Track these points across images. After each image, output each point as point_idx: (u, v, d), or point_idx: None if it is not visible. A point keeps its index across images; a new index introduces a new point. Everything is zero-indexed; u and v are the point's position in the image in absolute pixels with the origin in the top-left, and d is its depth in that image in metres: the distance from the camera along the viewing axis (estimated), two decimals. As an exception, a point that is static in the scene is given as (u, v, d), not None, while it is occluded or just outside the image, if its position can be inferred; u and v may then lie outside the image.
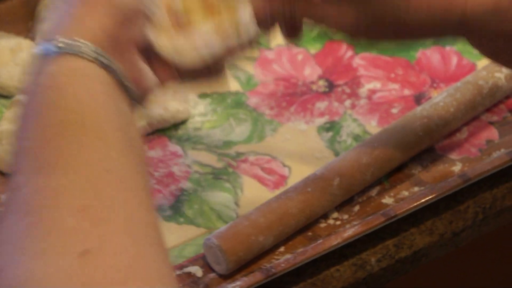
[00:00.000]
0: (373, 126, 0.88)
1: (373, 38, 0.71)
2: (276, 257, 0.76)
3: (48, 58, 0.57)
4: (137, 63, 0.62)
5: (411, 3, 0.68)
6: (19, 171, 0.53)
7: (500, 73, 0.87)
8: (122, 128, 0.56)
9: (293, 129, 0.87)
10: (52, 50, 0.57)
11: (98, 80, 0.57)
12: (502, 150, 0.85)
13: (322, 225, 0.79)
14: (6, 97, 0.90)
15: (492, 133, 0.87)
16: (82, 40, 0.58)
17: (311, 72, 0.93)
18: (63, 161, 0.52)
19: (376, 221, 0.77)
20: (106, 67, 0.58)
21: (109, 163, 0.53)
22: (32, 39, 0.94)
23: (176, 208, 0.81)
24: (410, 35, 0.70)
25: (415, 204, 0.79)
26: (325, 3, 0.68)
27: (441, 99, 0.85)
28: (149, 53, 0.64)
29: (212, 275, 0.75)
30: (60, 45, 0.57)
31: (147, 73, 0.63)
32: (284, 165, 0.84)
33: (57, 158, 0.52)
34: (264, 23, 0.68)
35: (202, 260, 0.76)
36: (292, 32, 0.71)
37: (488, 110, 0.88)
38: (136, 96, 0.60)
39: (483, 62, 0.91)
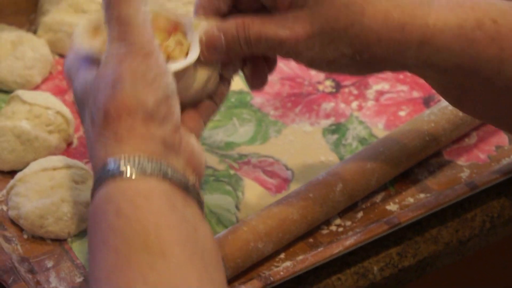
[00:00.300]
0: (380, 129, 0.86)
1: (328, 67, 0.69)
2: (276, 264, 0.75)
3: (104, 185, 0.61)
4: (189, 143, 0.65)
5: (366, 12, 0.65)
6: None
7: None
8: (186, 238, 0.60)
9: (298, 131, 0.85)
10: (106, 177, 0.61)
11: (158, 195, 0.61)
12: (512, 156, 0.83)
13: (324, 231, 0.77)
14: (6, 92, 0.88)
15: (502, 139, 0.85)
16: (142, 157, 0.61)
17: (317, 71, 0.91)
18: (133, 286, 0.57)
19: (379, 229, 0.75)
20: (164, 178, 0.62)
21: (174, 281, 0.58)
22: (34, 32, 0.93)
23: (175, 211, 0.79)
24: (367, 59, 0.67)
25: (420, 212, 0.77)
26: (282, 25, 0.67)
27: (450, 103, 0.83)
28: None
29: (209, 281, 0.73)
30: (122, 168, 0.61)
31: (198, 146, 0.66)
32: (287, 168, 0.82)
33: (127, 285, 0.58)
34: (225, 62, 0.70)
35: (199, 266, 0.75)
36: (257, 76, 0.71)
37: (498, 114, 0.86)
38: (197, 190, 0.64)
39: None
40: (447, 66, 0.67)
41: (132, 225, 0.59)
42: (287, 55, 0.68)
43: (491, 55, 0.66)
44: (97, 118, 0.63)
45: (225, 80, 0.71)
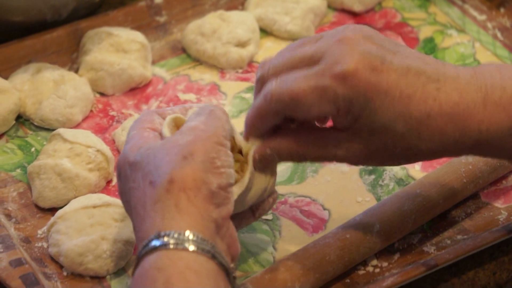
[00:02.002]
0: (417, 170, 0.86)
1: (388, 164, 0.72)
2: (312, 304, 0.75)
3: (156, 252, 0.62)
4: (232, 232, 0.67)
5: (421, 131, 0.67)
6: None
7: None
8: None
9: (335, 171, 0.86)
10: (160, 245, 0.62)
11: (207, 274, 0.62)
12: (550, 199, 0.82)
13: (361, 272, 0.77)
14: (47, 129, 0.90)
15: (540, 181, 0.85)
16: (197, 233, 0.63)
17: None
18: None
19: (416, 271, 0.75)
20: (213, 257, 0.63)
21: None
22: (76, 70, 0.94)
23: (212, 250, 0.79)
24: (427, 158, 0.70)
25: (457, 254, 0.77)
26: (336, 146, 0.70)
27: (487, 145, 0.83)
28: None
29: (246, 321, 0.74)
30: (170, 239, 0.62)
31: (236, 234, 0.68)
32: (324, 208, 0.83)
33: None
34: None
35: (236, 305, 0.75)
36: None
37: (536, 157, 0.86)
38: (235, 276, 0.66)
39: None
40: (501, 157, 0.70)
41: None
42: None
43: None
44: (159, 183, 0.64)
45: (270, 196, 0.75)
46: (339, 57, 0.67)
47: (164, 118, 0.72)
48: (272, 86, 0.69)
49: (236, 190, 0.69)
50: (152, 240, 0.63)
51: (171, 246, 0.62)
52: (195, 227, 0.63)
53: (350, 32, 0.68)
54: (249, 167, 0.71)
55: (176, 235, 0.62)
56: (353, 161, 0.70)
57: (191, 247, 0.62)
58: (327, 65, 0.67)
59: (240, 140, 0.72)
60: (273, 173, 0.73)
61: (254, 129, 0.72)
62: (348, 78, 0.66)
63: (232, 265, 0.65)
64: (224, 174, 0.66)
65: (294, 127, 0.72)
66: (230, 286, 0.64)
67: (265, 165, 0.71)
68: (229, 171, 0.66)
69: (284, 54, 0.70)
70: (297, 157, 0.71)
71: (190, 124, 0.67)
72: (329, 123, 0.72)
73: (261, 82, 0.71)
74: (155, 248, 0.62)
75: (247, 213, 0.74)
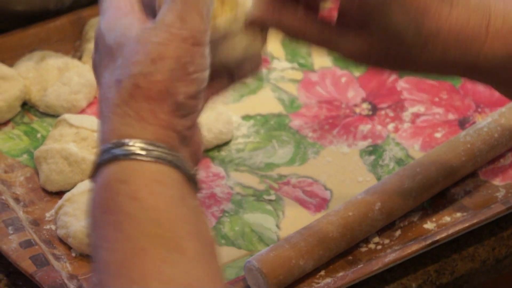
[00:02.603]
0: (416, 151, 0.88)
1: (380, 66, 0.71)
2: (316, 280, 0.77)
3: (118, 162, 0.59)
4: (197, 138, 0.65)
5: (427, 45, 0.68)
6: (105, 285, 0.56)
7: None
8: (196, 232, 0.59)
9: (336, 152, 0.87)
10: (122, 154, 0.60)
11: (172, 184, 0.60)
12: (547, 176, 0.84)
13: (363, 249, 0.79)
14: (53, 116, 0.91)
15: (537, 159, 0.86)
16: (160, 143, 0.60)
17: (354, 94, 0.93)
18: (149, 279, 0.56)
19: (417, 246, 0.77)
20: (176, 167, 0.60)
21: (189, 277, 0.57)
22: (79, 58, 0.96)
23: (217, 230, 0.81)
24: (418, 70, 0.71)
25: (457, 230, 0.78)
26: (341, 34, 0.69)
27: (485, 125, 0.85)
28: None
29: (252, 297, 0.76)
30: (133, 148, 0.60)
31: (202, 137, 0.65)
32: (326, 188, 0.84)
33: (143, 276, 0.56)
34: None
35: (242, 283, 0.77)
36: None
37: (533, 135, 0.88)
38: (197, 181, 0.63)
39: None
40: (492, 82, 0.71)
41: (148, 214, 0.58)
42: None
43: None
44: (123, 86, 0.61)
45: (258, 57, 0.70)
46: None
47: None
48: None
49: (222, 25, 0.65)
50: (112, 148, 0.60)
51: (134, 157, 0.60)
52: (157, 137, 0.60)
53: None
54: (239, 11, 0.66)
55: (138, 145, 0.60)
56: (350, 54, 0.69)
57: (153, 158, 0.60)
58: None
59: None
60: (262, 37, 0.68)
61: None
62: None
63: (195, 169, 0.63)
64: (195, 81, 0.62)
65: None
66: (195, 193, 0.63)
67: (259, 25, 0.68)
68: (202, 76, 0.62)
69: None
70: (300, 34, 0.69)
71: (166, 19, 0.62)
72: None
73: None
74: (116, 157, 0.60)
75: (222, 74, 0.69)
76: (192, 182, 0.62)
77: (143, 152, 0.59)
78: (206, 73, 0.63)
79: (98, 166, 0.60)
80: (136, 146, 0.60)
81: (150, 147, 0.60)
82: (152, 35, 0.61)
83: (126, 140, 0.60)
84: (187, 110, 0.62)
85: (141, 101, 0.60)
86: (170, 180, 0.60)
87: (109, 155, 0.60)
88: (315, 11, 0.70)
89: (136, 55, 0.61)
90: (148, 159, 0.59)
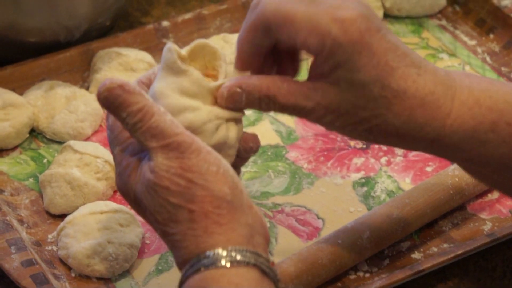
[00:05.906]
0: (407, 183, 0.90)
1: (348, 130, 0.72)
2: (305, 305, 0.79)
3: (201, 269, 0.66)
4: (259, 217, 0.69)
5: (394, 103, 0.69)
6: None
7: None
8: None
9: (329, 183, 0.90)
10: (207, 263, 0.66)
11: (251, 284, 0.65)
12: (532, 211, 0.87)
13: (352, 276, 0.82)
14: (59, 142, 0.95)
15: (524, 195, 0.89)
16: (232, 247, 0.66)
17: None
18: None
19: (403, 274, 0.80)
20: (253, 266, 0.66)
21: None
22: (87, 88, 0.99)
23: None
24: (386, 136, 0.71)
25: (442, 260, 0.81)
26: (307, 98, 0.71)
27: (473, 160, 0.87)
28: None
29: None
30: (215, 260, 0.66)
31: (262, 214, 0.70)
32: (318, 217, 0.87)
33: None
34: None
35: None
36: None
37: (520, 172, 0.90)
38: (275, 272, 0.68)
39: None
40: (455, 158, 0.73)
41: None
42: (304, 118, 0.72)
43: (501, 153, 0.70)
44: (180, 217, 0.67)
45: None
46: (344, 5, 0.69)
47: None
48: (270, 1, 0.70)
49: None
50: (191, 263, 0.66)
51: (210, 266, 0.65)
52: (229, 242, 0.66)
53: None
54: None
55: (211, 256, 0.65)
56: (319, 117, 0.71)
57: (228, 264, 0.65)
58: (330, 6, 0.69)
59: (225, 71, 0.73)
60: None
61: (243, 53, 0.72)
62: (346, 23, 0.68)
63: (271, 261, 0.68)
64: (225, 174, 0.67)
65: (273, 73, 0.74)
66: (273, 285, 0.67)
67: (232, 103, 0.72)
68: (224, 167, 0.68)
69: None
70: (265, 102, 0.71)
71: (162, 162, 0.67)
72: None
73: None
74: (197, 271, 0.66)
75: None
76: (268, 274, 0.67)
77: (218, 260, 0.66)
78: (227, 162, 0.69)
79: (183, 280, 0.67)
80: (211, 257, 0.66)
81: (224, 254, 0.66)
82: (169, 178, 0.67)
83: (203, 254, 0.66)
84: (240, 201, 0.68)
85: (203, 220, 0.67)
86: (245, 281, 0.65)
87: (191, 271, 0.66)
88: (286, 78, 0.72)
89: (168, 192, 0.67)
90: (222, 265, 0.65)
